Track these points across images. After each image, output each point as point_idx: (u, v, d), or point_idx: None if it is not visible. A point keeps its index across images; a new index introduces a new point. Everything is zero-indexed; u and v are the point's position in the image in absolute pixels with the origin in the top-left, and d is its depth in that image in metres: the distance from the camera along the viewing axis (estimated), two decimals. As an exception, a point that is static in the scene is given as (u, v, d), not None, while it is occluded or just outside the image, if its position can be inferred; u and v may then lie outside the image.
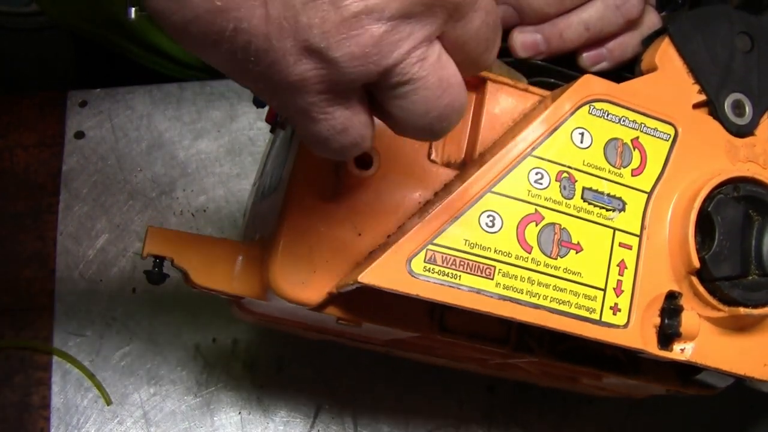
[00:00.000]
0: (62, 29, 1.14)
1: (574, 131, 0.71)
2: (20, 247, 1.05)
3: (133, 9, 0.77)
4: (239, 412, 1.01)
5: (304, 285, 0.69)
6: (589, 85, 0.72)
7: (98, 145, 1.09)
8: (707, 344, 0.73)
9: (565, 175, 0.70)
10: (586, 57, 0.82)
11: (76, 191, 1.07)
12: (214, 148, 1.11)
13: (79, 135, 1.10)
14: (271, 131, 0.88)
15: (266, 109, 0.83)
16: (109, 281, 1.04)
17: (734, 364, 0.74)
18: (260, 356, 1.03)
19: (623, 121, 0.72)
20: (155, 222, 1.07)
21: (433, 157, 0.72)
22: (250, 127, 1.11)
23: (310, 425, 1.02)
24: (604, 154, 0.71)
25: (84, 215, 1.06)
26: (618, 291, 0.70)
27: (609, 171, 0.71)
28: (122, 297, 1.03)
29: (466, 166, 0.73)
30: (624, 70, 0.82)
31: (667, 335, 0.72)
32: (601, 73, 0.82)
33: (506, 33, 0.82)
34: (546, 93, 0.75)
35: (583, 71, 0.81)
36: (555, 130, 0.70)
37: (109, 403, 1.00)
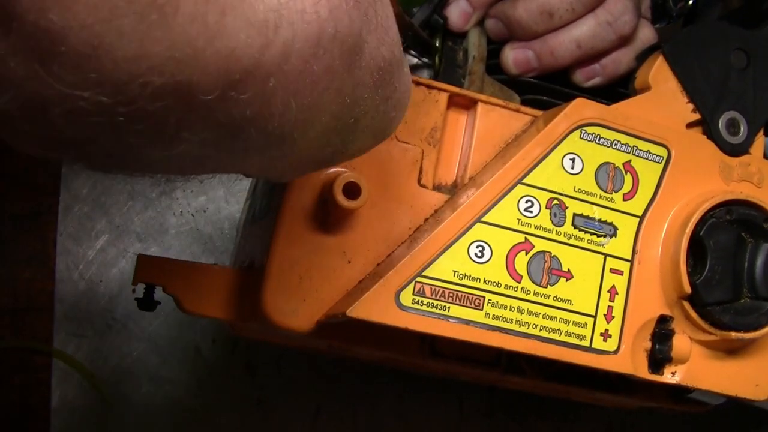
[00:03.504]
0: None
1: (565, 157, 0.71)
2: (20, 248, 1.05)
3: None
4: (239, 413, 1.01)
5: (295, 313, 0.69)
6: (580, 109, 0.72)
7: (98, 146, 1.09)
8: (698, 367, 0.73)
9: (555, 202, 0.70)
10: (579, 73, 0.81)
11: (76, 192, 1.07)
12: (213, 148, 1.11)
13: (79, 135, 1.09)
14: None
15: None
16: (109, 282, 1.04)
17: (725, 385, 0.74)
18: (260, 357, 1.03)
19: (615, 144, 0.72)
20: (155, 222, 1.07)
21: (422, 181, 0.72)
22: (250, 126, 1.10)
23: (310, 425, 1.02)
24: (596, 179, 0.71)
25: (84, 216, 1.06)
26: (608, 317, 0.70)
27: (600, 196, 0.71)
28: (122, 298, 1.04)
29: (456, 190, 0.72)
30: (618, 85, 0.82)
31: (658, 360, 0.72)
32: (595, 88, 0.81)
33: (498, 48, 0.81)
34: (538, 113, 0.74)
35: (576, 87, 0.81)
36: (545, 156, 0.70)
37: (109, 404, 1.00)
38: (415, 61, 0.81)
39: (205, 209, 1.08)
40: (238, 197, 1.08)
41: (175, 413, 1.00)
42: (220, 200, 1.09)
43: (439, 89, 0.73)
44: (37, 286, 1.04)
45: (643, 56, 0.79)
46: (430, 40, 0.79)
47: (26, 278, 1.04)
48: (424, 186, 0.72)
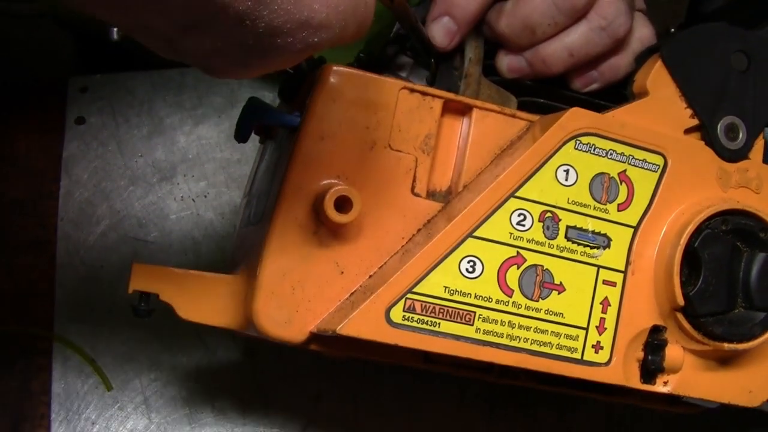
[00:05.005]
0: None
1: (559, 168, 0.70)
2: (21, 233, 1.05)
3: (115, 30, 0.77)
4: (240, 398, 1.02)
5: (287, 324, 0.69)
6: (575, 119, 0.71)
7: (99, 131, 1.09)
8: (690, 376, 0.74)
9: (548, 214, 0.69)
10: (577, 81, 0.80)
11: (76, 177, 1.07)
12: (215, 133, 1.10)
13: (80, 121, 1.09)
14: (261, 142, 0.88)
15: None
16: (110, 267, 1.04)
17: (718, 394, 0.75)
18: (261, 343, 1.04)
19: (610, 154, 0.71)
20: (156, 207, 1.07)
21: (416, 190, 0.71)
22: (251, 112, 1.10)
23: (311, 411, 1.02)
24: (590, 190, 0.71)
25: (84, 201, 1.06)
26: (600, 329, 0.70)
27: (594, 207, 0.71)
28: (123, 283, 1.02)
29: (450, 199, 0.72)
30: (618, 86, 0.81)
31: (651, 370, 0.72)
32: (595, 91, 0.81)
33: (494, 51, 0.80)
34: (534, 117, 0.74)
35: (574, 90, 0.80)
36: (539, 169, 0.70)
37: (109, 388, 1.00)
38: (411, 62, 0.80)
39: (205, 194, 1.08)
40: (239, 182, 1.08)
41: (175, 399, 1.01)
42: (220, 185, 1.09)
43: (434, 96, 0.73)
44: (37, 271, 1.04)
45: (642, 58, 0.78)
46: (432, 47, 0.78)
47: (27, 264, 1.04)
48: (417, 195, 0.71)
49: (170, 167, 1.09)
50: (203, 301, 0.74)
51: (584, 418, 1.07)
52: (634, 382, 0.72)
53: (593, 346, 0.70)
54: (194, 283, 0.74)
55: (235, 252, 0.84)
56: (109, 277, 1.04)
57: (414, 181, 0.71)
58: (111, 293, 1.03)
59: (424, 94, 0.72)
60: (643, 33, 0.81)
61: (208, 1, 0.49)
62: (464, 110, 0.74)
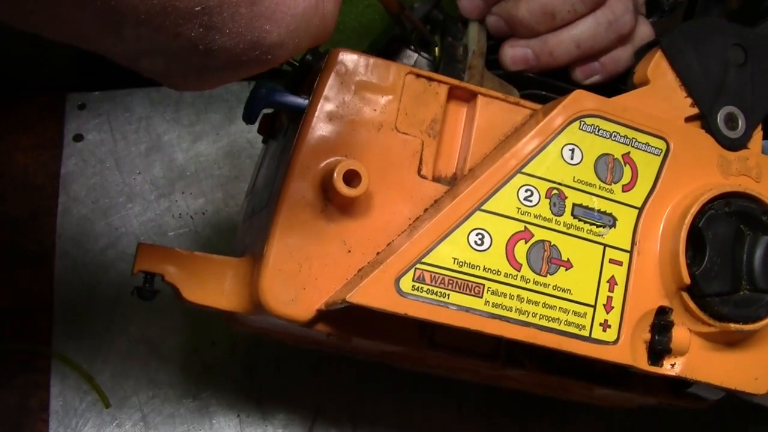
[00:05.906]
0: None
1: (565, 147, 0.71)
2: (19, 250, 1.05)
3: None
4: (238, 415, 1.01)
5: (294, 302, 0.69)
6: (579, 100, 0.72)
7: (97, 148, 1.10)
8: (697, 359, 0.73)
9: (555, 191, 0.70)
10: (578, 71, 0.81)
11: (74, 194, 1.07)
12: (212, 150, 1.11)
13: (78, 138, 1.10)
14: (264, 142, 0.88)
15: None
16: (108, 284, 1.04)
17: (725, 378, 0.75)
18: (259, 358, 1.03)
19: (614, 136, 0.72)
20: (154, 225, 1.07)
21: (423, 172, 0.72)
22: (249, 129, 1.10)
23: (309, 427, 1.02)
24: (595, 170, 0.71)
25: (83, 218, 1.06)
26: (608, 307, 0.70)
27: (599, 187, 0.71)
28: (121, 299, 1.03)
29: (456, 181, 0.73)
30: (618, 82, 0.82)
31: (658, 351, 0.72)
32: (595, 85, 0.82)
33: (498, 45, 0.81)
34: (537, 106, 0.75)
35: (575, 83, 0.81)
36: (545, 146, 0.70)
37: (107, 405, 1.00)
38: (415, 56, 0.81)
39: (203, 211, 1.08)
40: (237, 199, 1.09)
41: (173, 416, 1.00)
42: (218, 202, 1.09)
43: (439, 81, 0.73)
44: (36, 288, 1.04)
45: (642, 52, 0.80)
46: (429, 35, 0.80)
47: (25, 280, 1.04)
48: (424, 177, 0.72)
49: (168, 184, 1.09)
50: (209, 283, 0.74)
51: (584, 428, 1.06)
52: (642, 363, 0.72)
53: (601, 324, 0.70)
54: (200, 264, 0.74)
55: (239, 243, 0.84)
56: (108, 294, 1.04)
57: (421, 163, 0.72)
58: (109, 310, 1.03)
59: (429, 79, 0.73)
60: (644, 31, 0.83)
61: (159, 32, 0.50)
62: (469, 97, 0.75)
